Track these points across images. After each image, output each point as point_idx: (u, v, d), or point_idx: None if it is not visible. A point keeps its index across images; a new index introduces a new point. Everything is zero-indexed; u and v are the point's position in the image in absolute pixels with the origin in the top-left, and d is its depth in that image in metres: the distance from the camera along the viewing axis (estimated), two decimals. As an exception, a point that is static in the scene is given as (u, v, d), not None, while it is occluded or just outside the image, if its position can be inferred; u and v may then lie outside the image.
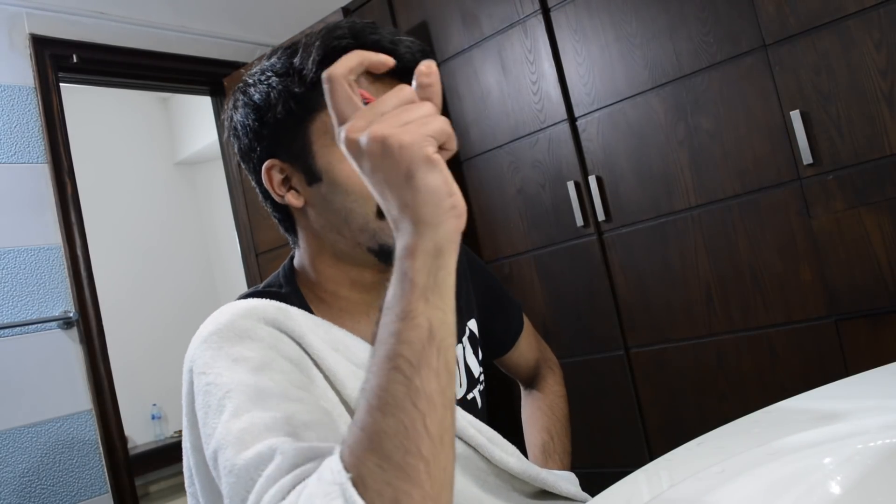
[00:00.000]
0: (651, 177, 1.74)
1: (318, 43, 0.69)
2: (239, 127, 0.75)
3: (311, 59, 0.69)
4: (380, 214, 0.69)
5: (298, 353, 0.64)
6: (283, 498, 0.47)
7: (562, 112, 1.87)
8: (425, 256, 0.47)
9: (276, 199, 0.74)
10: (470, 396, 0.85)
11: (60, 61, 2.22)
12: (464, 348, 0.86)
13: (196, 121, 4.28)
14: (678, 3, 1.66)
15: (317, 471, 0.47)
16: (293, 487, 0.48)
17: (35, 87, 2.13)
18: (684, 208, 1.70)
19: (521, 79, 1.95)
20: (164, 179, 4.48)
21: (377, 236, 0.70)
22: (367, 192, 0.67)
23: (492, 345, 0.98)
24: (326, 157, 0.70)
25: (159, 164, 4.48)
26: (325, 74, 0.49)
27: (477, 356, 0.89)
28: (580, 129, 1.86)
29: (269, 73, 0.72)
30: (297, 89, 0.70)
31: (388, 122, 0.46)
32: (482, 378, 0.89)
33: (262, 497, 0.49)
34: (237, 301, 0.69)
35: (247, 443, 0.53)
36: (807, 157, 1.50)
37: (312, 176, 0.71)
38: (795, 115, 1.50)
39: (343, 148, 0.49)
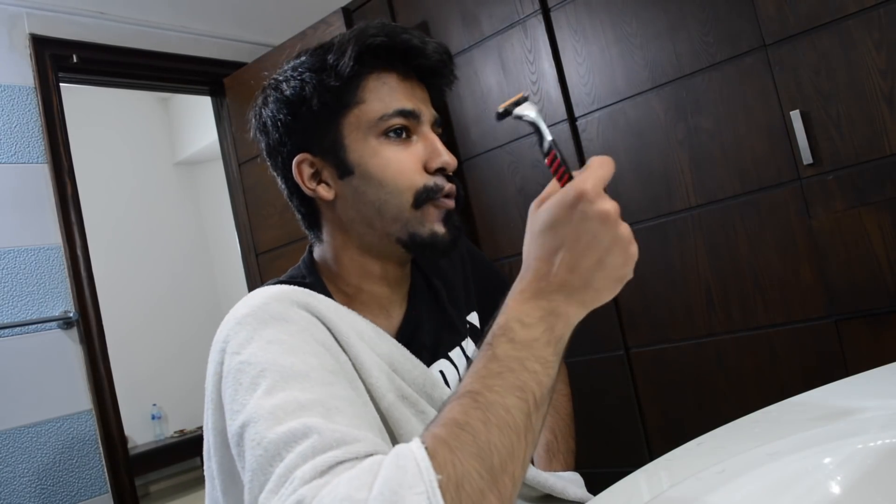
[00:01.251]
0: (651, 177, 1.74)
1: (353, 41, 0.72)
2: (269, 122, 0.77)
3: (348, 55, 0.71)
4: (416, 205, 0.72)
5: (329, 338, 0.64)
6: (319, 476, 0.47)
7: (562, 112, 1.87)
8: (570, 328, 0.54)
9: (307, 192, 0.76)
10: None
11: (60, 61, 2.22)
12: (466, 343, 0.86)
13: (196, 121, 4.28)
14: (678, 4, 1.66)
15: (392, 456, 0.47)
16: (329, 469, 0.48)
17: (35, 87, 2.13)
18: (684, 208, 1.70)
19: (521, 79, 1.95)
20: (163, 179, 4.49)
21: (409, 225, 0.72)
22: (402, 186, 0.71)
23: None
24: (359, 150, 0.72)
25: (159, 164, 4.48)
26: (609, 160, 0.54)
27: None
28: (580, 129, 1.86)
29: (302, 70, 0.74)
30: (333, 83, 0.72)
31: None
32: None
33: (293, 472, 0.48)
34: (269, 286, 0.69)
35: (280, 419, 0.53)
36: (807, 157, 1.50)
37: (345, 169, 0.73)
38: (795, 115, 1.50)
39: (596, 215, 0.51)
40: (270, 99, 0.76)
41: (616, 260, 0.52)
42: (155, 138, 4.47)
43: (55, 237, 2.09)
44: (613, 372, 1.84)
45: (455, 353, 0.82)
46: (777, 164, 1.56)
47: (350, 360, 0.65)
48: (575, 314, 0.53)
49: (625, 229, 0.52)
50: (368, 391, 0.65)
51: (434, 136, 0.75)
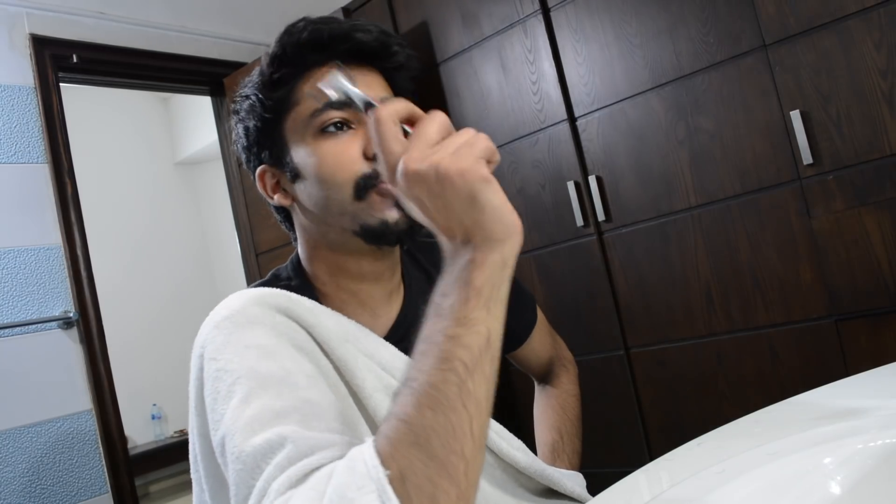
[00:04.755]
0: (651, 177, 1.74)
1: (277, 46, 0.73)
2: (237, 143, 0.80)
3: (274, 61, 0.73)
4: (357, 195, 0.70)
5: (308, 341, 0.64)
6: (293, 486, 0.47)
7: (562, 112, 1.87)
8: (493, 269, 0.50)
9: (270, 201, 0.78)
10: None
11: (60, 61, 2.22)
12: None
13: (196, 121, 4.28)
14: (678, 3, 1.66)
15: (346, 459, 0.47)
16: (304, 477, 0.48)
17: (35, 87, 2.13)
18: (684, 208, 1.70)
19: (521, 79, 1.95)
20: (163, 179, 4.48)
21: (357, 218, 0.71)
22: (340, 179, 0.70)
23: (505, 339, 0.97)
24: (300, 152, 0.73)
25: (159, 164, 4.48)
26: (374, 115, 0.52)
27: None
28: (580, 129, 1.86)
29: (250, 85, 0.76)
30: (271, 93, 0.73)
31: (441, 153, 0.50)
32: None
33: (271, 485, 0.49)
34: (249, 289, 0.69)
35: (256, 430, 0.53)
36: (807, 157, 1.50)
37: (294, 173, 0.74)
38: (795, 115, 1.50)
39: (400, 181, 0.51)
40: (233, 121, 0.79)
41: (456, 183, 0.49)
42: (155, 138, 4.47)
43: (55, 237, 2.09)
44: (613, 372, 1.84)
45: None
46: (777, 164, 1.56)
47: (332, 362, 0.65)
48: (484, 256, 0.50)
49: (430, 160, 0.49)
50: (354, 393, 0.65)
51: None
